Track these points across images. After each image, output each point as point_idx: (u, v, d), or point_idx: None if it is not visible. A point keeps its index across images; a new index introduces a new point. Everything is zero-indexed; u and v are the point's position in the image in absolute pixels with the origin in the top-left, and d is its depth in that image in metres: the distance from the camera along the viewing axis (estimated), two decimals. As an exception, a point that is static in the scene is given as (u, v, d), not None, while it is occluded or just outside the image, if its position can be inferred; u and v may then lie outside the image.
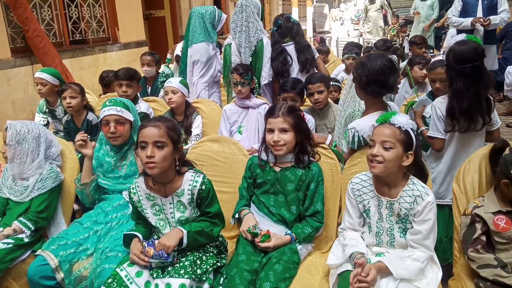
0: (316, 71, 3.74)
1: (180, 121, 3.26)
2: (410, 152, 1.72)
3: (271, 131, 2.02)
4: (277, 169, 2.07)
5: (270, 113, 2.04)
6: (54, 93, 3.53)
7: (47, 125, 3.74)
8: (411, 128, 1.72)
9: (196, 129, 3.22)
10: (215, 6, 4.02)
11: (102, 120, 2.30)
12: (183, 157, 1.91)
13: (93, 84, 5.60)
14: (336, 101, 3.82)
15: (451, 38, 8.74)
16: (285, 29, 3.69)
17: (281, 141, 1.97)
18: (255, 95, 3.38)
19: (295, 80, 3.10)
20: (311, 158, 2.08)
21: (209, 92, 3.92)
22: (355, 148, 2.15)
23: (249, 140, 3.21)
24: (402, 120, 1.71)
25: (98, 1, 6.52)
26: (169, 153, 1.79)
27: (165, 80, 3.51)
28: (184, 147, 3.20)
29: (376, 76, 2.07)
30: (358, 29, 16.35)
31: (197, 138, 3.17)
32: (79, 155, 2.65)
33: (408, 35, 12.94)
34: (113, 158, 2.35)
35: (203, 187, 1.85)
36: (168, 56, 4.81)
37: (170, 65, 4.83)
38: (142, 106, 3.33)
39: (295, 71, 3.71)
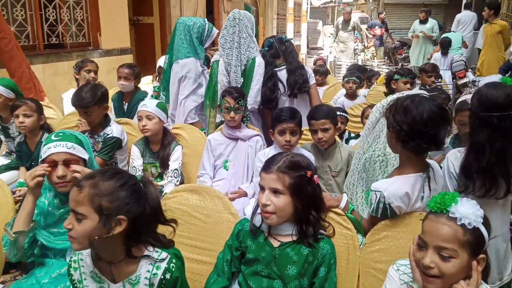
0: (309, 96, 3.24)
1: (155, 151, 2.73)
2: (481, 256, 1.21)
3: (262, 189, 1.52)
4: (275, 243, 1.53)
5: (265, 165, 1.54)
6: (7, 108, 3.00)
7: (-1, 144, 3.19)
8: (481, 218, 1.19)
9: (174, 162, 2.69)
10: (205, 19, 3.52)
11: (46, 160, 1.76)
12: (144, 228, 1.36)
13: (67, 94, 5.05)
14: (342, 133, 3.34)
15: (434, 60, 8.57)
16: (278, 51, 3.22)
17: (270, 206, 1.45)
18: (245, 124, 2.88)
19: (293, 109, 2.60)
20: (321, 231, 1.55)
21: (197, 114, 3.41)
22: (378, 216, 1.65)
23: (236, 178, 2.70)
24: (468, 211, 1.17)
25: (80, 3, 5.99)
26: (94, 229, 1.26)
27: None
28: (159, 183, 2.68)
29: (424, 127, 1.58)
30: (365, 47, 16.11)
31: (175, 174, 2.65)
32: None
33: (404, 58, 12.70)
34: (59, 209, 1.80)
35: (167, 276, 1.33)
36: (154, 83, 4.16)
37: (155, 83, 4.25)
38: (115, 129, 2.80)
39: (283, 98, 3.20)
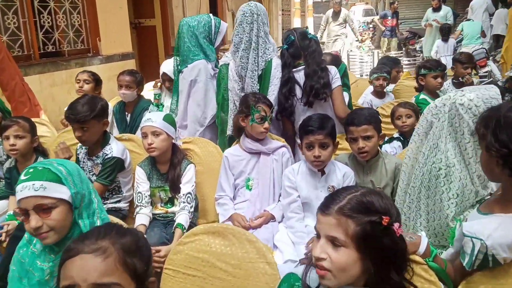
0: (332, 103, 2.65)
1: (164, 172, 2.33)
2: None
3: (318, 236, 1.11)
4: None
5: (323, 204, 1.13)
6: (-6, 128, 2.59)
7: (-14, 169, 2.80)
8: None
9: (187, 185, 2.27)
10: (210, 15, 3.08)
11: (20, 209, 1.36)
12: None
13: (67, 105, 4.68)
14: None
15: (436, 48, 8.06)
16: (299, 50, 2.67)
17: (326, 261, 1.05)
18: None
19: (322, 116, 2.18)
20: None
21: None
22: (475, 268, 1.23)
23: (262, 199, 2.30)
24: None
25: (77, 8, 5.62)
26: None
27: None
28: (169, 210, 2.29)
29: None
30: (359, 40, 15.63)
31: (189, 199, 2.24)
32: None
33: (415, 49, 12.17)
34: (48, 263, 1.41)
35: None
36: (155, 90, 3.76)
37: (156, 91, 3.84)
38: (115, 148, 2.40)
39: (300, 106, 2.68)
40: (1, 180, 2.68)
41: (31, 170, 1.38)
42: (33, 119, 3.02)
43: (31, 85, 4.47)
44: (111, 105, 3.54)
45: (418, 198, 1.73)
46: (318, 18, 20.70)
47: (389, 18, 11.65)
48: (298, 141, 2.40)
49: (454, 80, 4.01)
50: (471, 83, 3.72)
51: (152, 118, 2.25)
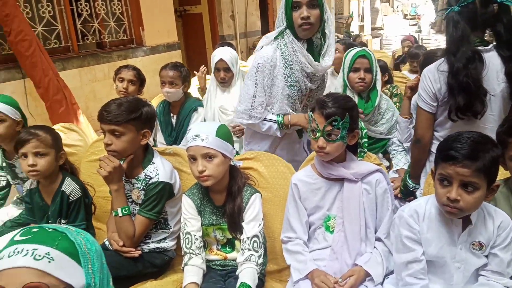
0: None
1: (220, 205, 1.71)
2: None
3: None
4: None
5: None
6: (13, 136, 2.08)
7: (7, 187, 2.32)
8: None
9: (252, 223, 1.64)
10: None
11: None
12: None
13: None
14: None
15: None
16: (476, 15, 1.75)
17: None
18: (360, 158, 1.76)
19: (481, 138, 1.35)
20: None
21: None
22: None
23: (349, 246, 1.62)
24: None
25: (117, -6, 5.13)
26: None
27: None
28: (228, 256, 1.68)
29: None
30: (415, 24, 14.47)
31: (255, 246, 1.61)
32: None
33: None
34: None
35: None
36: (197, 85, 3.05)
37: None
38: (161, 169, 1.81)
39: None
40: (22, 202, 2.18)
41: (35, 230, 0.85)
42: (61, 124, 2.53)
43: (70, 81, 4.05)
44: (154, 104, 2.99)
45: None
46: (371, 2, 19.46)
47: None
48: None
49: None
50: None
51: (202, 135, 1.59)
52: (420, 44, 6.05)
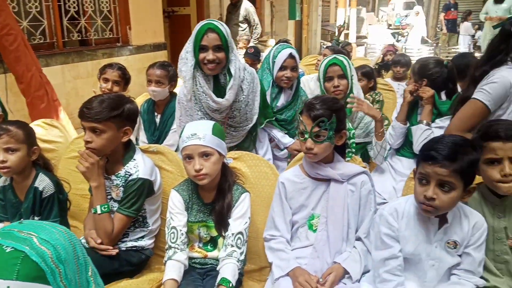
0: None
1: (208, 202, 1.72)
2: None
3: None
4: None
5: None
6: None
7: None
8: None
9: (239, 220, 1.66)
10: None
11: None
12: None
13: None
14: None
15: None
16: None
17: None
18: (348, 159, 1.81)
19: (460, 140, 1.42)
20: None
21: None
22: None
23: (331, 246, 1.66)
24: None
25: (106, -8, 5.09)
26: None
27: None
28: (209, 254, 1.69)
29: None
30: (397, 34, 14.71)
31: (239, 242, 1.64)
32: None
33: (476, 43, 11.04)
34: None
35: None
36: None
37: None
38: (141, 165, 1.81)
39: None
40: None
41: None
42: (43, 120, 2.50)
43: (53, 77, 4.00)
44: (138, 103, 2.97)
45: None
46: (356, 11, 19.71)
47: (452, 9, 10.59)
48: None
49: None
50: None
51: (199, 134, 1.60)
52: (403, 53, 6.18)
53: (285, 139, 2.46)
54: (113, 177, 1.82)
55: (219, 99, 2.12)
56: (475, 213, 1.47)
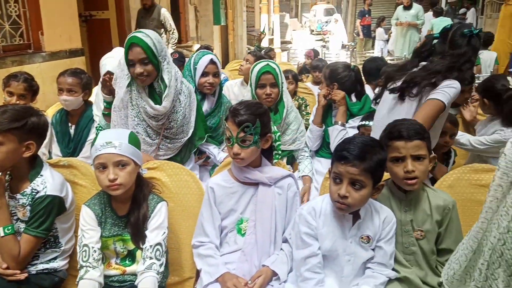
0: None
1: (123, 215, 1.65)
2: None
3: None
4: None
5: None
6: None
7: None
8: None
9: (156, 231, 1.61)
10: None
11: None
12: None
13: None
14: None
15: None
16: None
17: None
18: (275, 161, 1.85)
19: (370, 141, 1.53)
20: None
21: None
22: None
23: (260, 249, 1.68)
24: None
25: (14, -5, 4.72)
26: None
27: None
28: (128, 269, 1.61)
29: None
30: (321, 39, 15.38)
31: (158, 254, 1.59)
32: None
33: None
34: None
35: None
36: (106, 98, 2.64)
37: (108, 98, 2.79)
38: (49, 181, 1.68)
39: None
40: None
41: None
42: None
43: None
44: (50, 113, 2.79)
45: (495, 276, 1.18)
46: (281, 16, 20.30)
47: (367, 16, 11.26)
48: None
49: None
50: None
51: (114, 142, 1.54)
52: (321, 57, 6.45)
53: (220, 155, 2.44)
54: (18, 196, 1.67)
55: (157, 106, 2.13)
56: (384, 208, 1.56)
